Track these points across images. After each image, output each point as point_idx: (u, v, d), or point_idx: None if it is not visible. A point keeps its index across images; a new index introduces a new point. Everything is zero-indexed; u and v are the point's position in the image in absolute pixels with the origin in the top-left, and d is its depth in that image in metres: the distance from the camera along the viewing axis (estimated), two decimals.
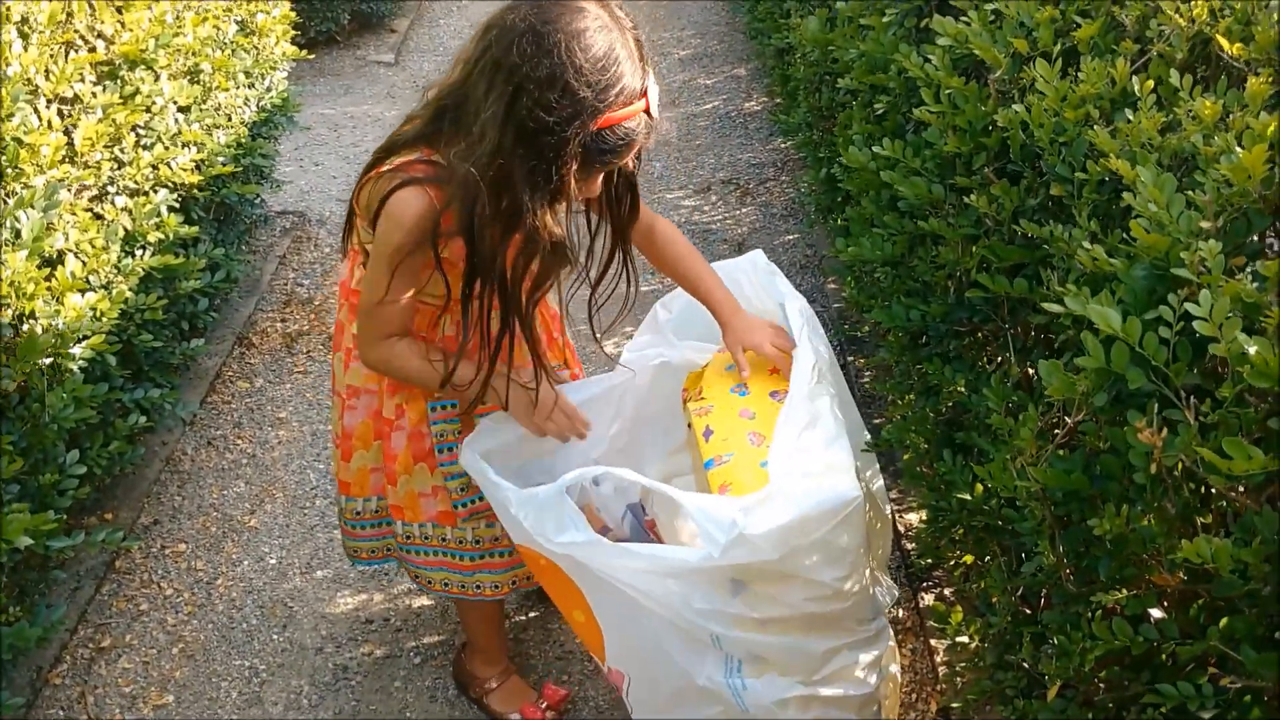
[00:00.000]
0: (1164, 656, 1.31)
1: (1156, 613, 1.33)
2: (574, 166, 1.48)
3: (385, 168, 1.59)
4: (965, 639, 1.92)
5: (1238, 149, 1.10)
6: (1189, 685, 1.12)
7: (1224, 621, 1.19)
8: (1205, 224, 1.14)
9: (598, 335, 1.81)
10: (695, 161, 4.31)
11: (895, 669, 1.91)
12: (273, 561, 2.52)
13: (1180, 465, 1.12)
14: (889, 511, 2.02)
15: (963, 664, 1.99)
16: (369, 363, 1.74)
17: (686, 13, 5.82)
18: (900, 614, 2.32)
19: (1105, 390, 1.18)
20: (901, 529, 2.51)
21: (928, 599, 2.33)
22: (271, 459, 2.83)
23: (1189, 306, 1.04)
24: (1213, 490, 1.13)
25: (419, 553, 1.95)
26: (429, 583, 1.99)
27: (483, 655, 2.14)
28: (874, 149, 1.95)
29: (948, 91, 1.74)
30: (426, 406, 1.82)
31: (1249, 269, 1.11)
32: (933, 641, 2.22)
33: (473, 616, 2.09)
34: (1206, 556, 1.00)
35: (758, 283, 2.06)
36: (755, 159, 4.29)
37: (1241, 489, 1.04)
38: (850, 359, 3.05)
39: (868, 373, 2.97)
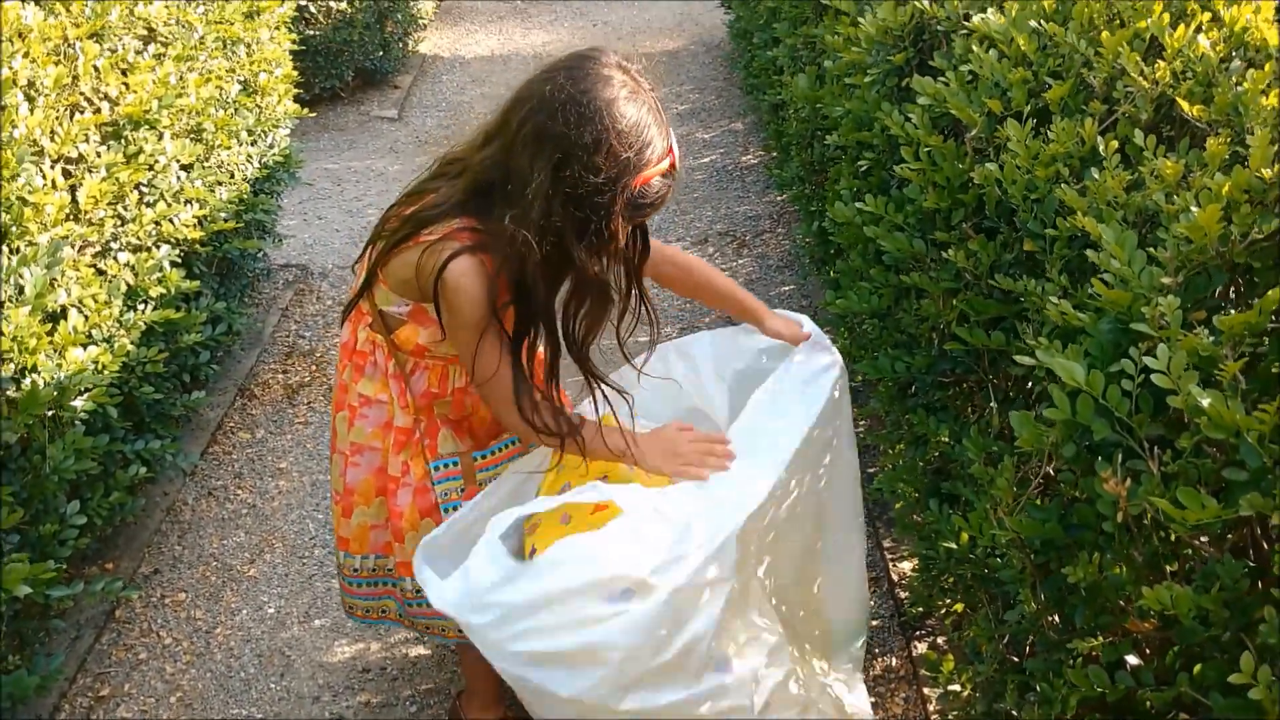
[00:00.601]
0: (1145, 703, 1.33)
1: (1134, 659, 1.35)
2: (620, 221, 1.58)
3: (427, 238, 1.63)
4: (957, 687, 1.94)
5: (1194, 208, 1.14)
6: None
7: (1196, 669, 1.21)
8: (1166, 279, 1.18)
9: (632, 362, 1.88)
10: (693, 214, 4.37)
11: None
12: (271, 610, 2.54)
13: (1146, 514, 1.15)
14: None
15: (954, 713, 2.00)
16: (519, 430, 1.77)
17: (685, 69, 5.92)
18: (894, 662, 2.34)
19: (1073, 441, 1.21)
20: (895, 577, 2.53)
21: (920, 647, 2.34)
22: (271, 509, 2.86)
23: (1148, 360, 1.08)
24: (1179, 538, 1.16)
25: (428, 604, 1.97)
26: (443, 630, 2.00)
27: (480, 700, 2.16)
28: (858, 205, 2.00)
29: (927, 149, 1.79)
30: (429, 467, 1.86)
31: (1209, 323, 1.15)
32: (925, 690, 2.24)
33: (471, 659, 2.11)
34: (1168, 603, 1.02)
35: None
36: (752, 211, 4.35)
37: (1204, 538, 1.07)
38: None
39: (862, 423, 2.99)
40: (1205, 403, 1.00)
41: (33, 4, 2.13)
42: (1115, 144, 1.37)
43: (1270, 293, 1.04)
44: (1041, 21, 1.68)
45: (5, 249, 1.85)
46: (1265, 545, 1.08)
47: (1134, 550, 1.19)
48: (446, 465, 1.86)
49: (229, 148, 2.92)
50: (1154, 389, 1.10)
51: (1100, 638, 1.33)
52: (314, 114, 4.60)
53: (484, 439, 1.91)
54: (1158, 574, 1.19)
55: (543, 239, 1.56)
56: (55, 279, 1.92)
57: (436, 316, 1.68)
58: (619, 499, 1.62)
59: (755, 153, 4.83)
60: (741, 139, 4.99)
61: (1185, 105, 1.34)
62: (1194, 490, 0.99)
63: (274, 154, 3.32)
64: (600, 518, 1.69)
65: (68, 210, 2.06)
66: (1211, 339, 1.08)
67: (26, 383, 1.86)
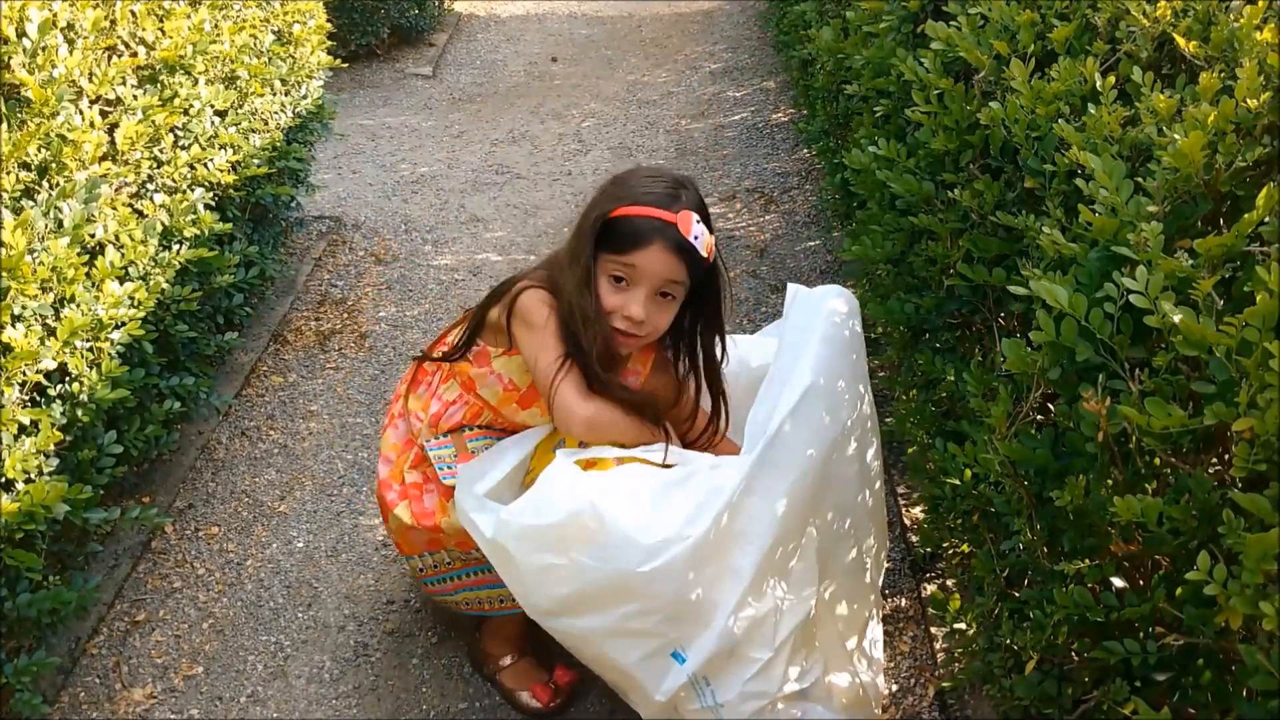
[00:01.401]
0: (1126, 620, 1.37)
1: (1119, 582, 1.40)
2: (590, 249, 1.84)
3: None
4: (962, 625, 1.98)
5: (1179, 138, 1.17)
6: (1134, 642, 1.19)
7: (1179, 590, 1.25)
8: (1153, 208, 1.21)
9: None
10: (722, 170, 4.40)
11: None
12: (300, 545, 2.63)
13: (1130, 436, 1.19)
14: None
15: (959, 649, 2.05)
16: (579, 432, 1.90)
17: (719, 28, 5.93)
18: (903, 603, 2.38)
19: (1060, 365, 1.25)
20: (907, 522, 2.57)
21: (929, 589, 2.39)
22: (301, 449, 2.94)
23: (1126, 281, 1.11)
24: (1158, 458, 1.20)
25: (438, 581, 2.13)
26: (457, 604, 2.15)
27: (500, 634, 2.23)
28: (872, 149, 2.04)
29: (937, 92, 1.82)
30: (421, 444, 2.05)
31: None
32: (932, 629, 2.28)
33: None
34: (1137, 513, 1.06)
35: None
36: (780, 168, 4.38)
37: (1175, 453, 1.11)
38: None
39: (881, 373, 3.03)
40: (1178, 319, 1.04)
41: None
42: (1112, 81, 1.40)
43: (1246, 216, 1.07)
44: None
45: (45, 183, 1.93)
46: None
47: (1116, 470, 1.23)
48: (437, 438, 2.05)
49: (262, 95, 2.99)
50: (1135, 311, 1.14)
51: (1087, 561, 1.37)
52: (348, 66, 4.67)
53: None
54: (1138, 493, 1.22)
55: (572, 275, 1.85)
56: (92, 214, 2.00)
57: (508, 342, 1.95)
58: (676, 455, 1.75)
59: (785, 110, 4.84)
60: (773, 97, 5.00)
61: (1182, 42, 1.37)
62: (1159, 401, 1.03)
63: (307, 104, 3.39)
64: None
65: (105, 150, 2.14)
66: (1190, 262, 1.11)
67: (65, 313, 1.94)
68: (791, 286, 2.00)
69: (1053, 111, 1.51)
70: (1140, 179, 1.26)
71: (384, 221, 4.13)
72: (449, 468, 2.01)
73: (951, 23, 1.85)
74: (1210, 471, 1.10)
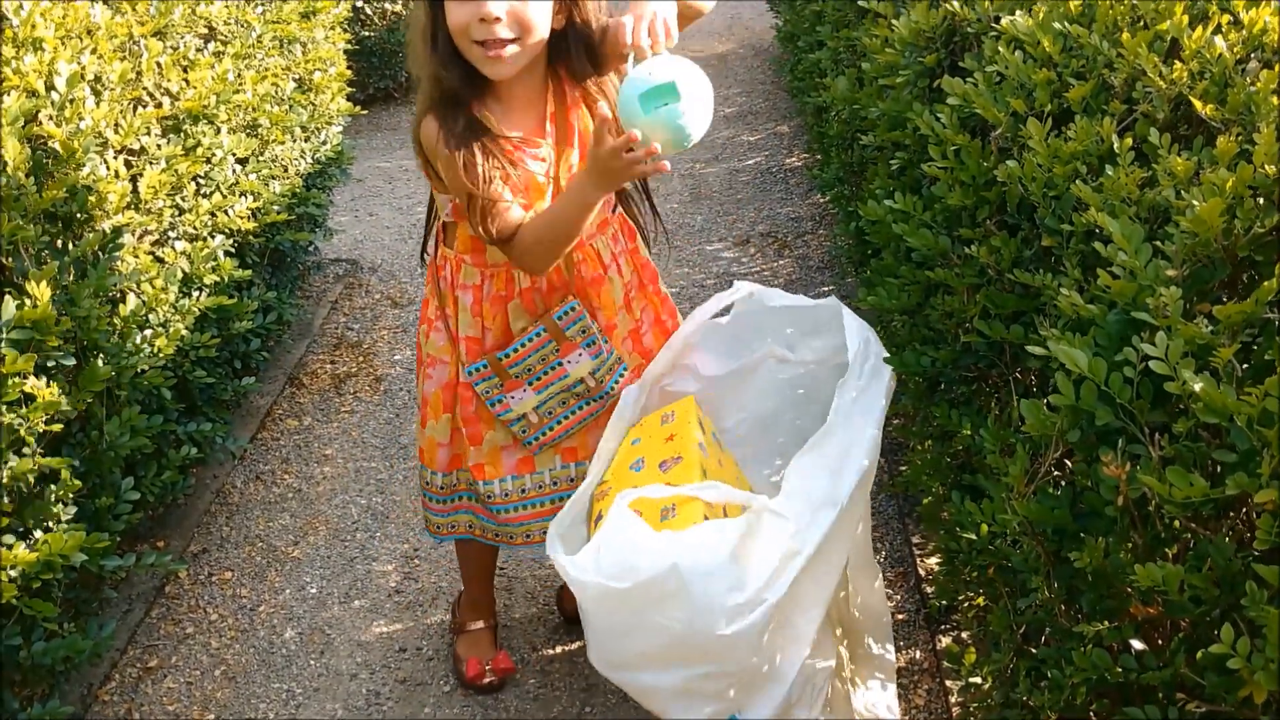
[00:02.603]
0: (1146, 684, 1.36)
1: (1139, 644, 1.39)
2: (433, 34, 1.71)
3: None
4: (978, 679, 1.97)
5: (1197, 203, 1.17)
6: (1154, 708, 1.18)
7: (1199, 654, 1.24)
8: (1171, 272, 1.21)
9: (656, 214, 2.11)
10: (736, 215, 4.42)
11: None
12: (313, 591, 2.63)
13: (1150, 500, 1.19)
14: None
15: (974, 704, 2.03)
16: (529, 270, 1.91)
17: (734, 72, 5.97)
18: (918, 655, 2.37)
19: (1078, 427, 1.25)
20: (922, 573, 2.56)
21: (944, 641, 2.37)
22: (316, 494, 2.95)
23: (1145, 347, 1.11)
24: (1179, 523, 1.19)
25: (501, 510, 2.12)
26: (510, 538, 2.16)
27: (471, 603, 2.37)
28: (888, 202, 2.05)
29: (954, 148, 1.83)
30: (465, 372, 2.00)
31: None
32: (948, 682, 2.27)
33: (468, 569, 2.34)
34: (1158, 580, 1.06)
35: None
36: (794, 213, 4.40)
37: (1196, 519, 1.11)
38: None
39: (895, 420, 3.03)
40: (1198, 387, 1.04)
41: (100, 3, 2.24)
42: (1130, 142, 1.40)
43: (1265, 283, 1.07)
44: (1067, 23, 1.71)
45: (69, 234, 1.95)
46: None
47: (1136, 534, 1.23)
48: (479, 368, 1.99)
49: (283, 143, 3.02)
50: (1154, 376, 1.14)
51: (1106, 623, 1.36)
52: (366, 112, 4.72)
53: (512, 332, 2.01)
54: (1158, 558, 1.22)
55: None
56: (114, 264, 2.02)
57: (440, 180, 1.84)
58: (739, 499, 1.72)
59: (799, 155, 4.87)
60: (786, 142, 5.04)
61: (1199, 105, 1.38)
62: (1180, 470, 1.03)
63: (327, 150, 3.43)
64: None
65: (129, 199, 2.16)
66: (1210, 328, 1.12)
67: (88, 361, 1.96)
68: (845, 313, 2.02)
69: (1070, 171, 1.52)
70: (1159, 241, 1.26)
71: (400, 264, 4.16)
72: (499, 400, 2.00)
73: (968, 79, 1.86)
74: (1228, 538, 1.09)
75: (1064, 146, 1.53)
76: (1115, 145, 1.42)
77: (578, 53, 1.81)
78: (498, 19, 1.65)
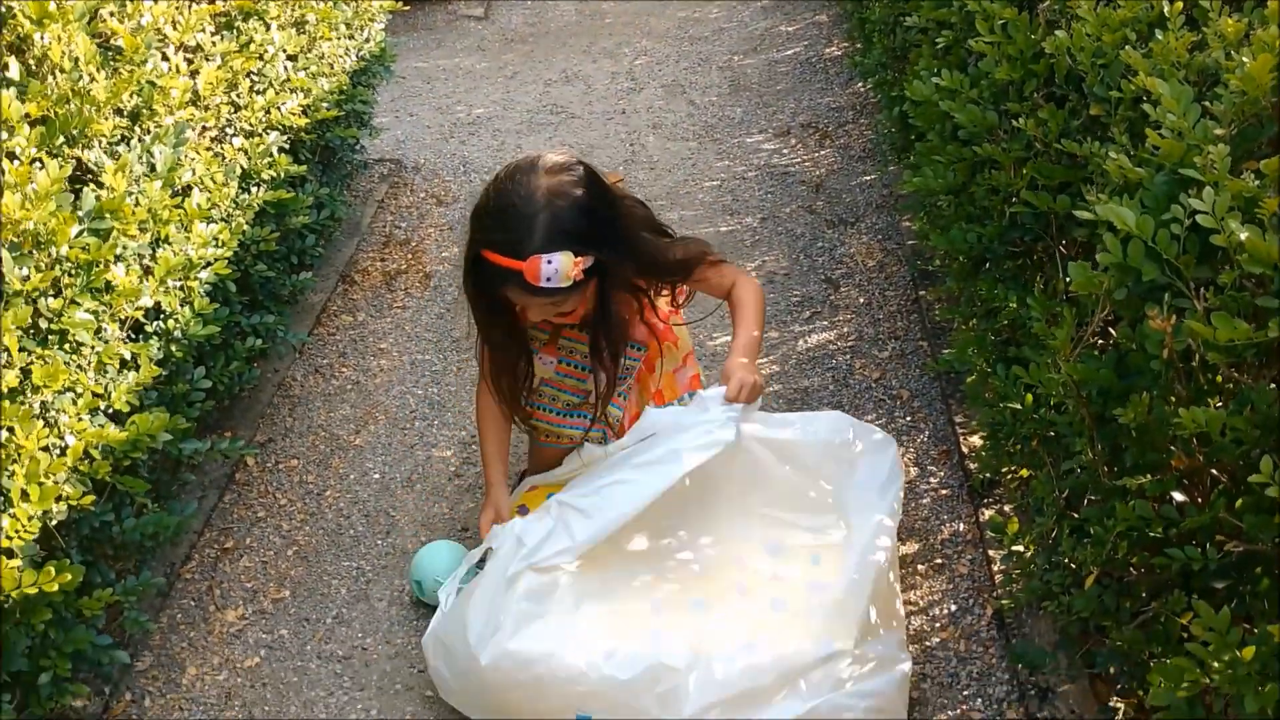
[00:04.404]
0: (1186, 532, 1.43)
1: (1180, 496, 1.45)
2: (470, 280, 2.04)
3: None
4: (1020, 548, 2.05)
5: (1246, 60, 1.20)
6: (1194, 549, 1.25)
7: (1238, 502, 1.30)
8: (1219, 131, 1.24)
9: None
10: (775, 106, 4.41)
11: None
12: (376, 476, 2.74)
13: (1193, 354, 1.24)
14: None
15: (1017, 571, 2.11)
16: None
17: None
18: (961, 528, 2.45)
19: (1125, 285, 1.30)
20: (965, 450, 2.63)
21: (987, 514, 2.45)
22: (374, 385, 3.04)
23: (1193, 202, 1.15)
24: (1219, 378, 1.24)
25: None
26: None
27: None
28: (935, 81, 2.07)
29: (1001, 22, 1.84)
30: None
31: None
32: (990, 552, 2.35)
33: None
34: (1202, 423, 1.12)
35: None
36: (835, 103, 4.38)
37: (1239, 367, 1.16)
38: (922, 293, 3.16)
39: (939, 304, 3.07)
40: (1244, 236, 1.08)
41: None
42: (1180, 6, 1.42)
43: None
44: None
45: (136, 129, 2.02)
46: None
47: (1180, 387, 1.28)
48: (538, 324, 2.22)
49: (329, 39, 3.06)
50: (1201, 232, 1.19)
51: (1149, 476, 1.42)
52: (409, 8, 4.71)
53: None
54: (1203, 407, 1.27)
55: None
56: (180, 158, 2.09)
57: None
58: None
59: (839, 44, 4.82)
60: (825, 31, 4.99)
61: None
62: (1225, 315, 1.08)
63: (370, 47, 3.46)
64: None
65: (189, 96, 2.22)
66: (1257, 183, 1.15)
67: (160, 253, 2.03)
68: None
69: (1119, 39, 1.54)
70: (1207, 103, 1.29)
71: (443, 163, 4.20)
72: (535, 354, 2.25)
73: None
74: (1270, 384, 1.14)
75: (1113, 15, 1.55)
76: (1165, 10, 1.44)
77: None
78: (547, 322, 2.12)
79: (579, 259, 1.90)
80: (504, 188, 1.96)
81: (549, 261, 1.89)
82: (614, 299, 2.07)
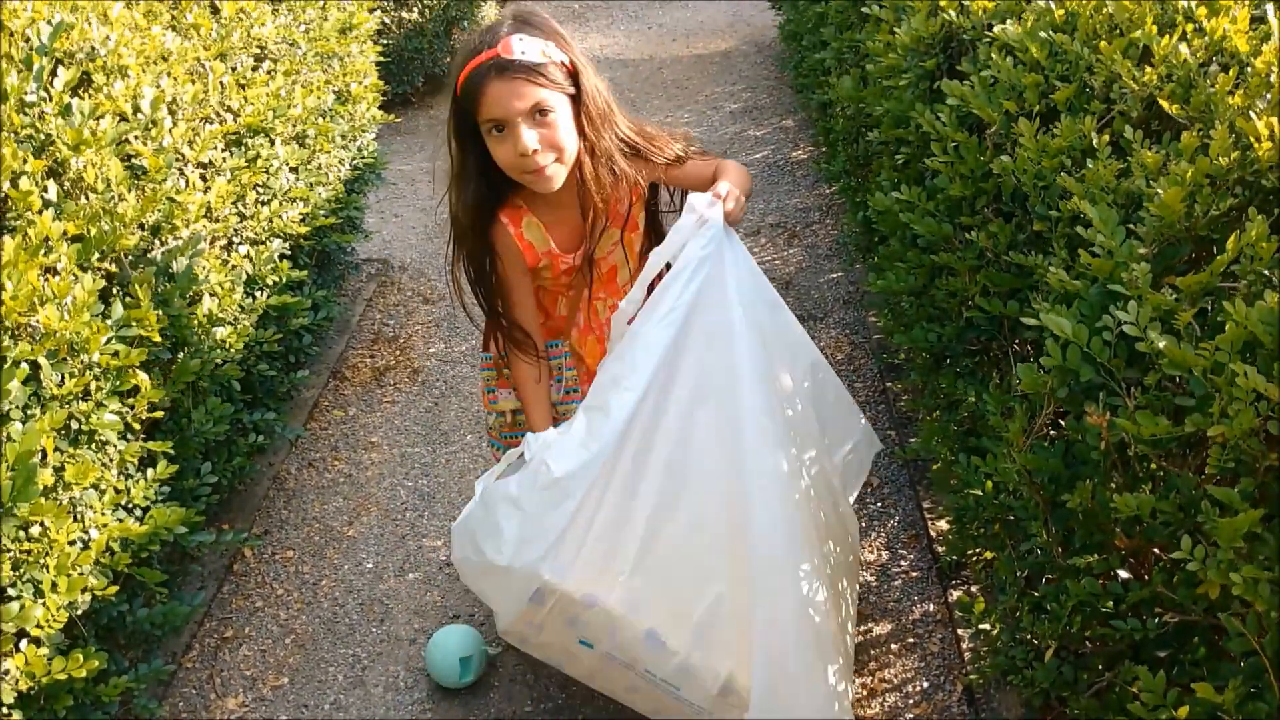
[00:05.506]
0: (1130, 604, 1.57)
1: (1124, 574, 1.60)
2: (456, 140, 1.98)
3: None
4: (986, 626, 2.18)
5: (1161, 191, 1.38)
6: (1135, 621, 1.39)
7: (1176, 577, 1.45)
8: (1142, 250, 1.42)
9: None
10: (747, 207, 4.62)
11: None
12: (369, 566, 2.84)
13: (1129, 446, 1.40)
14: None
15: (984, 647, 2.24)
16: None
17: (737, 68, 6.17)
18: (931, 608, 2.58)
19: (1066, 385, 1.46)
20: (933, 534, 2.77)
21: (955, 594, 2.58)
22: (365, 478, 3.16)
23: (1120, 314, 1.33)
24: (1152, 466, 1.40)
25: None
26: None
27: None
28: (895, 194, 2.26)
29: (954, 144, 2.03)
30: (482, 356, 2.35)
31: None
32: (959, 631, 2.48)
33: None
34: (1134, 508, 1.27)
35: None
36: (802, 204, 4.60)
37: (1164, 456, 1.32)
38: (889, 385, 3.33)
39: (904, 396, 3.24)
40: (1163, 345, 1.25)
41: (171, 31, 2.45)
42: (1108, 138, 1.61)
43: (1219, 257, 1.28)
44: (1052, 31, 1.92)
45: (157, 242, 2.17)
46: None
47: (1117, 474, 1.44)
48: (487, 358, 2.33)
49: (327, 151, 3.24)
50: (1128, 339, 1.35)
51: (1096, 555, 1.58)
52: (400, 120, 4.92)
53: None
54: (1136, 492, 1.43)
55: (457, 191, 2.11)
56: (195, 269, 2.24)
57: None
58: None
59: (805, 148, 5.07)
60: (792, 135, 5.24)
61: (1166, 104, 1.59)
62: (1151, 415, 1.24)
63: (363, 156, 3.65)
64: None
65: (204, 209, 2.38)
66: (1174, 297, 1.33)
67: (179, 356, 2.17)
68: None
69: (1056, 164, 1.73)
70: (1132, 225, 1.47)
71: (428, 262, 4.37)
72: (492, 391, 2.35)
73: (965, 81, 2.07)
74: (1192, 472, 1.30)
75: (1051, 142, 1.74)
76: (1095, 141, 1.63)
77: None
78: (535, 150, 1.91)
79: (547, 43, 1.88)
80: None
81: (520, 39, 1.85)
82: (591, 132, 1.99)
